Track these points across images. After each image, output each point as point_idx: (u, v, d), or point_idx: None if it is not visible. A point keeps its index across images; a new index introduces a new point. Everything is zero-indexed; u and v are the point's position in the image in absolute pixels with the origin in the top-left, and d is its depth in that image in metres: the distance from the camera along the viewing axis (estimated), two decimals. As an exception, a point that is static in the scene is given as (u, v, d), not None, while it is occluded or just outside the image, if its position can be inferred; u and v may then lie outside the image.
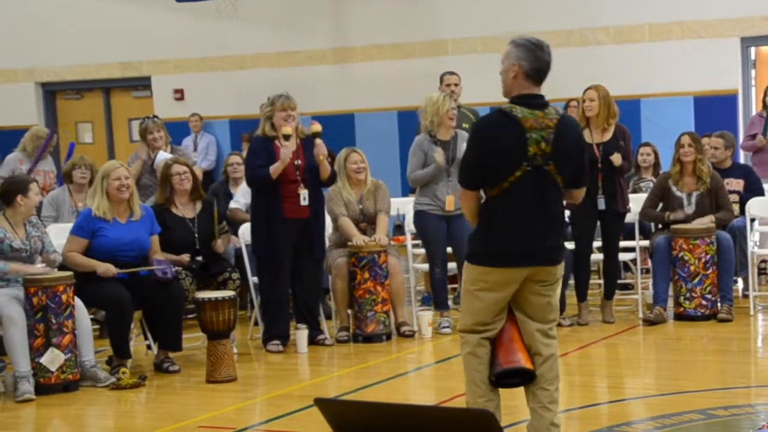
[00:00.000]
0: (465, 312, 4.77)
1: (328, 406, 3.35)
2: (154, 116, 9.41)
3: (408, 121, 11.55)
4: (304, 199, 7.43)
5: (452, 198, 7.76)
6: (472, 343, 4.72)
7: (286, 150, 7.34)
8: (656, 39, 11.84)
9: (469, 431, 3.12)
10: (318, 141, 7.48)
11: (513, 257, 4.63)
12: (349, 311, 7.80)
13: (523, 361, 4.69)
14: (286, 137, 7.35)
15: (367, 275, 7.64)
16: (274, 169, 7.35)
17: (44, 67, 14.25)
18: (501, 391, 4.77)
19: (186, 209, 7.55)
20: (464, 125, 8.89)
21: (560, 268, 4.77)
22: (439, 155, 7.74)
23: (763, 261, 9.44)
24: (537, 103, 4.61)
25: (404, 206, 8.66)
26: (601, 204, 7.88)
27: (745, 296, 8.48)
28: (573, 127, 4.76)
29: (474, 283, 4.69)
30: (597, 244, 8.25)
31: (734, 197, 8.50)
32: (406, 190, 9.69)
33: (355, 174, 7.96)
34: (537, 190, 4.61)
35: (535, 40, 4.67)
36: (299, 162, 7.46)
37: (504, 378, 4.72)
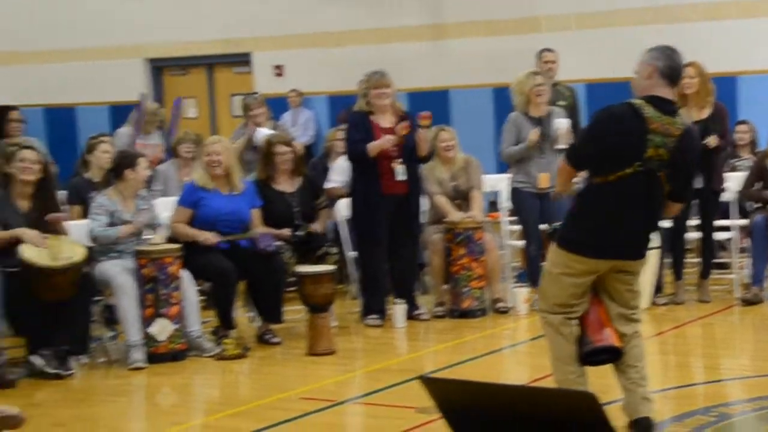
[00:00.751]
0: (545, 292, 4.77)
1: (433, 384, 3.34)
2: (255, 93, 9.47)
3: (502, 97, 11.36)
4: (401, 174, 7.40)
5: (546, 176, 7.66)
6: (555, 323, 4.73)
7: (389, 140, 7.30)
8: (745, 16, 11.47)
9: (572, 413, 3.07)
10: (421, 130, 7.46)
11: (602, 249, 4.61)
12: (445, 287, 7.77)
13: (612, 338, 4.70)
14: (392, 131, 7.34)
15: (462, 251, 7.60)
16: (373, 147, 7.34)
17: (152, 44, 14.46)
18: (591, 370, 4.75)
19: (286, 184, 7.59)
20: (559, 103, 8.75)
21: (644, 260, 4.76)
22: (534, 134, 7.63)
23: None
24: (667, 108, 4.57)
25: (499, 183, 8.58)
26: (698, 182, 7.68)
27: None
28: (695, 141, 4.75)
29: (557, 266, 4.68)
30: (693, 222, 8.06)
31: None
32: (501, 167, 9.58)
33: (444, 152, 7.90)
34: (643, 192, 4.56)
35: (667, 45, 4.66)
36: (395, 141, 7.42)
37: (592, 355, 4.71)
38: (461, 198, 7.91)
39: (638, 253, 4.71)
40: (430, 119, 7.57)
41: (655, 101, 4.55)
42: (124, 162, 6.87)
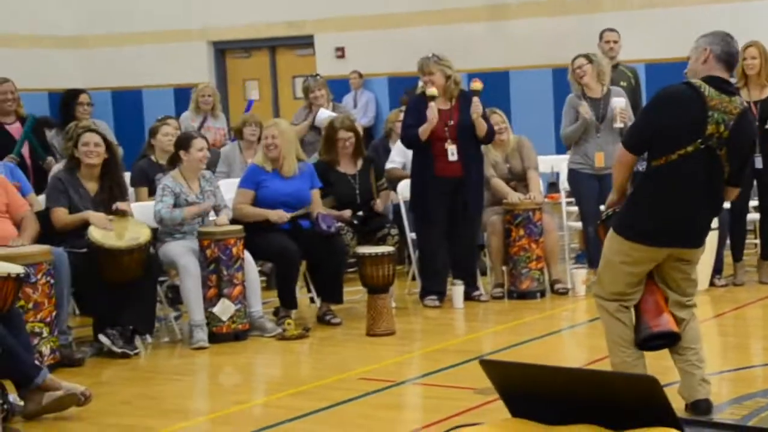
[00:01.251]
0: (603, 279, 4.72)
1: (492, 367, 3.32)
2: (317, 75, 9.48)
3: (562, 78, 11.25)
4: (452, 154, 7.35)
5: (602, 155, 7.58)
6: (611, 309, 4.69)
7: (431, 111, 7.27)
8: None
9: (634, 396, 3.02)
10: (475, 99, 7.39)
11: (661, 237, 4.54)
12: (504, 268, 7.73)
13: (670, 323, 4.65)
14: (432, 98, 7.29)
15: (521, 232, 7.55)
16: (423, 131, 7.31)
17: (215, 26, 14.55)
18: (648, 353, 4.73)
19: (348, 166, 7.60)
20: (622, 83, 8.64)
21: (701, 251, 4.70)
22: (584, 108, 7.56)
23: None
24: (726, 88, 4.51)
25: (558, 164, 8.50)
26: (758, 163, 7.56)
27: None
28: (752, 122, 4.68)
29: (615, 254, 4.62)
30: (754, 203, 7.92)
31: None
32: (561, 148, 9.50)
33: (497, 135, 7.83)
34: (703, 172, 4.48)
35: (724, 31, 4.61)
36: (452, 122, 7.38)
37: (650, 340, 4.67)
38: (517, 179, 7.85)
39: (698, 241, 4.64)
40: (482, 84, 7.44)
41: (713, 81, 4.49)
42: (179, 144, 6.94)
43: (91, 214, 6.41)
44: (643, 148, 4.62)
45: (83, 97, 8.65)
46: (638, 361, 4.69)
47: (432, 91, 7.30)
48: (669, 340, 4.70)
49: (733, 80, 4.66)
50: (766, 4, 11.28)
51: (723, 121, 4.45)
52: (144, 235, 6.42)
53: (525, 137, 8.05)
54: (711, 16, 10.99)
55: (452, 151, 7.37)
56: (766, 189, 7.70)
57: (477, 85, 7.43)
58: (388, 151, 8.96)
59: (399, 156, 8.39)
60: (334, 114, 8.45)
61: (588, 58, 7.82)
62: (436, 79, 7.37)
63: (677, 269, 4.66)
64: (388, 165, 8.54)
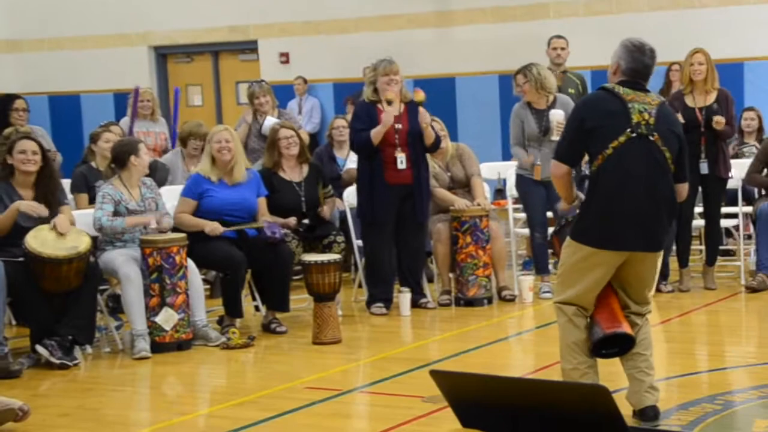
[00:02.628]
0: (562, 283, 4.77)
1: (442, 378, 3.33)
2: (261, 81, 9.45)
3: (509, 84, 11.36)
4: (402, 162, 7.39)
5: (539, 167, 7.65)
6: (569, 313, 4.73)
7: (388, 114, 7.30)
8: (752, 2, 11.41)
9: (584, 406, 3.05)
10: (421, 109, 7.43)
11: (614, 240, 4.59)
12: (451, 275, 7.77)
13: (624, 326, 4.69)
14: (389, 102, 7.31)
15: (468, 239, 7.59)
16: (375, 133, 7.33)
17: (157, 31, 14.44)
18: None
19: (293, 173, 7.58)
20: (570, 90, 8.74)
21: (659, 256, 4.75)
22: (523, 158, 7.65)
23: None
24: (639, 87, 4.68)
25: (505, 170, 8.56)
26: (704, 168, 7.69)
27: None
28: (672, 113, 4.81)
29: (573, 259, 4.68)
30: (699, 209, 8.04)
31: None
32: (507, 155, 9.56)
33: None
34: (643, 163, 4.57)
35: (639, 42, 4.71)
36: (400, 126, 7.42)
37: (604, 346, 4.70)
38: (459, 187, 7.89)
39: (651, 243, 4.65)
40: (424, 95, 7.48)
41: (626, 83, 4.67)
42: (126, 149, 6.86)
43: (21, 202, 6.29)
44: (576, 157, 4.73)
45: (19, 103, 8.55)
46: (590, 369, 4.70)
47: (390, 95, 7.32)
48: (623, 347, 4.72)
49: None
50: (714, 11, 11.47)
51: (645, 110, 4.60)
52: (84, 244, 6.34)
53: (464, 144, 8.11)
54: (657, 22, 11.17)
55: (401, 159, 7.40)
56: (711, 195, 7.82)
57: (420, 96, 7.47)
58: (332, 158, 8.97)
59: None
60: (277, 120, 8.43)
61: (525, 74, 7.83)
62: (399, 80, 7.40)
63: (634, 274, 4.69)
64: (350, 164, 8.53)
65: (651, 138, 4.56)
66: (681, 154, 4.71)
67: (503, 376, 3.43)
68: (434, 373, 3.29)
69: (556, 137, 7.65)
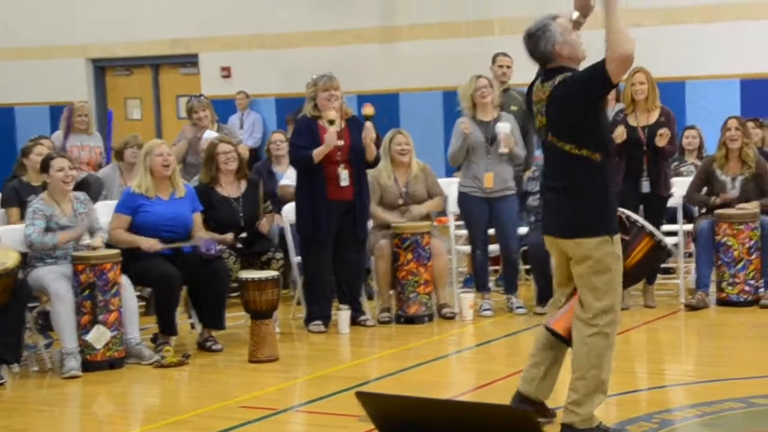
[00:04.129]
0: None
1: (369, 399, 3.32)
2: (200, 95, 9.42)
3: (453, 101, 11.42)
4: (344, 179, 7.40)
5: (491, 175, 7.74)
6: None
7: (330, 136, 7.31)
8: (705, 20, 11.62)
9: (511, 429, 3.08)
10: (368, 124, 7.46)
11: (543, 224, 4.99)
12: (392, 292, 7.78)
13: (557, 324, 4.83)
14: (331, 122, 7.33)
15: (410, 256, 7.62)
16: (317, 153, 7.34)
17: (95, 43, 14.33)
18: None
19: (231, 188, 7.55)
20: (513, 107, 8.82)
21: (585, 247, 4.68)
22: (464, 124, 7.69)
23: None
24: (547, 77, 4.76)
25: (447, 187, 8.60)
26: (645, 187, 7.80)
27: (789, 282, 8.33)
28: (563, 86, 4.70)
29: None
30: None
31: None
32: (450, 171, 9.62)
33: (399, 156, 7.92)
34: (550, 158, 4.84)
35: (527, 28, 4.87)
36: (342, 142, 7.44)
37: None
38: (415, 203, 7.91)
39: (557, 228, 4.77)
40: (374, 109, 7.52)
41: (541, 74, 4.82)
42: (43, 165, 6.82)
43: None
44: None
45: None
46: (530, 369, 4.91)
47: (332, 115, 7.33)
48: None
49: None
50: (653, 30, 11.63)
51: (539, 111, 4.78)
52: (12, 260, 6.26)
53: (428, 165, 8.14)
54: (601, 41, 11.29)
55: (344, 176, 7.41)
56: (652, 214, 7.91)
57: (369, 110, 7.50)
58: (271, 174, 8.96)
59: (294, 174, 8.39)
60: (217, 135, 8.40)
61: (489, 80, 7.97)
62: (339, 96, 7.42)
63: (574, 271, 4.78)
64: (284, 181, 8.54)
65: (549, 139, 4.76)
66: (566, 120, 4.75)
67: (430, 398, 3.44)
68: (361, 395, 3.28)
69: (504, 149, 7.75)
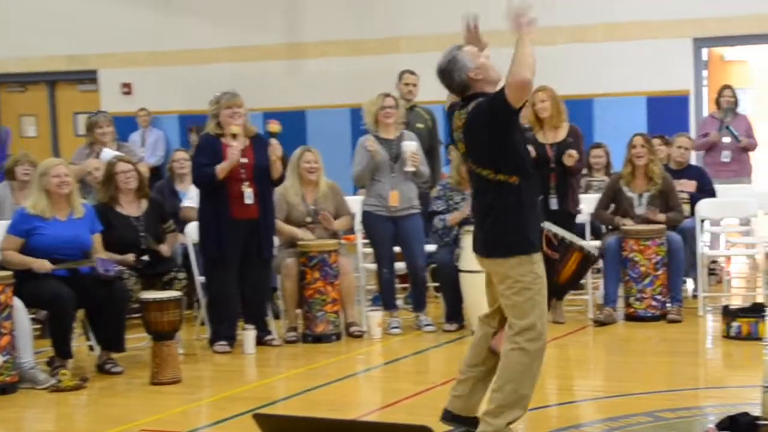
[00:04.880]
0: None
1: (267, 422, 3.28)
2: (103, 111, 9.32)
3: (360, 118, 11.46)
4: (249, 197, 7.38)
5: (396, 194, 7.79)
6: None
7: (233, 150, 7.29)
8: (610, 39, 11.91)
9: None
10: (273, 141, 7.45)
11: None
12: (299, 311, 7.77)
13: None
14: (234, 136, 7.30)
15: (317, 275, 7.61)
16: (221, 169, 7.30)
17: (-12, 59, 14.06)
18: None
19: (131, 208, 7.46)
20: (418, 125, 8.91)
21: (504, 267, 4.84)
22: (369, 142, 7.74)
23: (713, 262, 9.54)
24: (464, 104, 4.88)
25: (355, 205, 8.63)
26: (553, 204, 7.94)
27: (695, 297, 8.55)
28: (472, 113, 4.82)
29: None
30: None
31: (684, 196, 8.59)
32: (357, 189, 9.64)
33: (307, 174, 7.92)
34: (472, 181, 5.01)
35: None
36: (246, 160, 7.41)
37: None
38: (318, 223, 7.92)
39: (479, 247, 4.95)
40: (280, 126, 7.52)
41: (458, 102, 4.95)
42: None
43: None
44: None
45: None
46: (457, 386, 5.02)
47: (236, 129, 7.30)
48: None
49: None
50: (561, 48, 11.87)
51: (459, 138, 4.93)
52: None
53: (336, 184, 8.15)
54: (508, 59, 11.48)
55: (249, 194, 7.38)
56: (560, 230, 8.06)
57: (274, 127, 7.49)
58: (174, 192, 8.87)
59: (197, 195, 8.32)
60: (117, 154, 8.30)
61: (396, 100, 8.03)
62: (242, 113, 7.39)
63: (499, 289, 4.94)
64: (186, 203, 8.47)
65: (470, 164, 4.92)
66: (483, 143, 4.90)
67: (328, 418, 3.44)
68: (258, 417, 3.24)
69: (410, 167, 7.81)
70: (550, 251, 5.01)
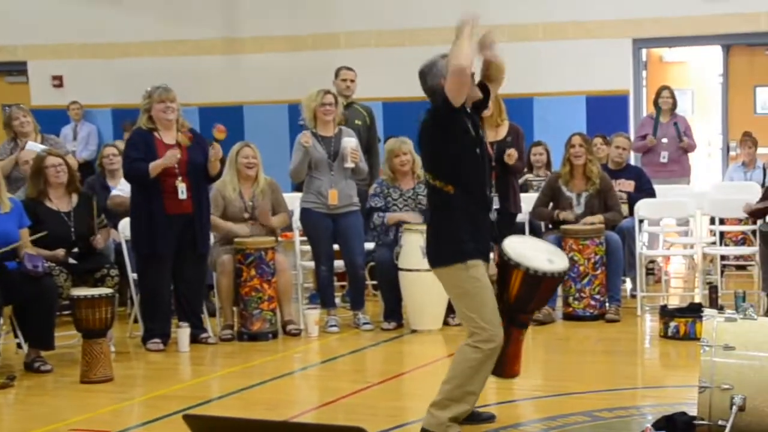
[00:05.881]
0: None
1: (196, 422, 3.22)
2: (19, 104, 9.21)
3: (298, 114, 11.43)
4: (182, 192, 7.32)
5: (335, 192, 7.78)
6: None
7: (172, 155, 7.21)
8: (550, 38, 12.02)
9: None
10: (216, 145, 7.38)
11: None
12: (235, 309, 7.71)
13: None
14: (179, 145, 7.25)
15: (253, 272, 7.57)
16: (153, 167, 7.22)
17: None
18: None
19: (61, 202, 7.34)
20: (357, 122, 8.90)
21: (442, 276, 5.03)
22: (305, 137, 7.71)
23: (651, 262, 9.66)
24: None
25: (292, 202, 8.60)
26: (494, 203, 7.94)
27: (633, 296, 8.66)
28: (424, 116, 5.03)
29: None
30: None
31: (623, 196, 8.68)
32: (295, 186, 9.60)
33: (245, 169, 7.87)
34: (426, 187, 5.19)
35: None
36: (179, 155, 7.34)
37: None
38: (258, 218, 7.87)
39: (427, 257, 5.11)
40: (226, 133, 7.49)
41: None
42: None
43: None
44: None
45: None
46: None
47: (185, 140, 7.25)
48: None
49: None
50: (505, 46, 11.83)
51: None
52: None
53: (274, 180, 8.10)
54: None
55: (182, 189, 7.32)
56: (501, 230, 8.07)
57: (221, 134, 7.45)
58: (105, 187, 8.77)
59: (127, 185, 8.22)
60: (42, 147, 8.17)
61: (335, 96, 8.00)
62: (175, 108, 7.33)
63: None
64: (115, 191, 8.37)
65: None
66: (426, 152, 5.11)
67: (260, 419, 3.42)
68: (188, 418, 3.20)
69: (350, 164, 7.80)
70: (496, 268, 5.15)
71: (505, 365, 5.30)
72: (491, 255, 5.12)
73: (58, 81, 13.57)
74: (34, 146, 8.22)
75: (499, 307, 5.05)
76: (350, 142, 7.88)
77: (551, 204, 8.40)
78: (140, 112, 7.52)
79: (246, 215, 7.85)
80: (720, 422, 4.66)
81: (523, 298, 5.20)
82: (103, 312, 6.58)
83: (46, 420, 5.66)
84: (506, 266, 5.14)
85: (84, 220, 7.35)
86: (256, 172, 7.92)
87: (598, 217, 8.15)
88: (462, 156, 4.93)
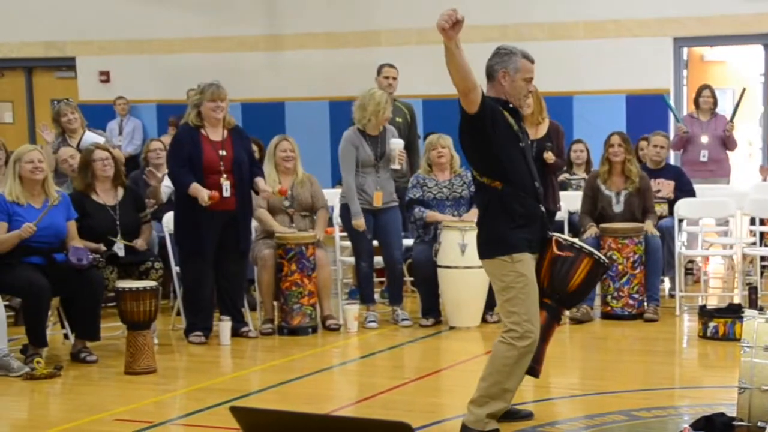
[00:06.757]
0: None
1: (243, 415, 3.23)
2: (67, 99, 9.27)
3: (339, 111, 11.48)
4: (226, 190, 7.33)
5: (380, 194, 7.76)
6: None
7: (207, 195, 7.15)
8: (590, 36, 11.93)
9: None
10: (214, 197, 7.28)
11: None
12: (275, 303, 7.74)
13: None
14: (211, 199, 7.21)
15: (294, 267, 7.58)
16: (193, 190, 7.21)
17: (-36, 44, 13.94)
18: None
19: (107, 196, 7.41)
20: (397, 119, 8.88)
21: (488, 268, 5.05)
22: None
23: (690, 261, 9.58)
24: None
25: (333, 198, 8.62)
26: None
27: (672, 296, 8.59)
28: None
29: None
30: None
31: (662, 195, 8.61)
32: (335, 181, 9.64)
33: (283, 162, 7.90)
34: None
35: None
36: (224, 153, 7.36)
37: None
38: (300, 211, 7.88)
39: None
40: (217, 200, 7.38)
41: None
42: None
43: None
44: None
45: None
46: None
47: (215, 198, 7.19)
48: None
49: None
50: (546, 44, 11.87)
51: None
52: None
53: (313, 176, 8.12)
54: (489, 54, 11.49)
55: (226, 187, 7.34)
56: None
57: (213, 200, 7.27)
58: (149, 183, 8.80)
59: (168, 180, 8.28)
60: (100, 138, 8.24)
61: (386, 97, 7.93)
62: (225, 106, 7.33)
63: None
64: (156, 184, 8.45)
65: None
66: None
67: (305, 412, 3.42)
68: (235, 410, 3.20)
69: (397, 166, 7.80)
70: (563, 252, 5.06)
71: (540, 363, 5.27)
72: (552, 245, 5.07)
73: (105, 76, 13.68)
74: (91, 137, 8.28)
75: (544, 301, 5.04)
76: (398, 144, 7.87)
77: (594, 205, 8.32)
78: (189, 107, 7.53)
79: (286, 204, 7.86)
80: (760, 423, 4.62)
81: (581, 290, 5.26)
82: (147, 304, 6.63)
83: (91, 410, 5.71)
84: (570, 257, 5.11)
85: (129, 213, 7.41)
86: (294, 164, 7.94)
87: (648, 224, 8.09)
88: (507, 152, 4.93)
